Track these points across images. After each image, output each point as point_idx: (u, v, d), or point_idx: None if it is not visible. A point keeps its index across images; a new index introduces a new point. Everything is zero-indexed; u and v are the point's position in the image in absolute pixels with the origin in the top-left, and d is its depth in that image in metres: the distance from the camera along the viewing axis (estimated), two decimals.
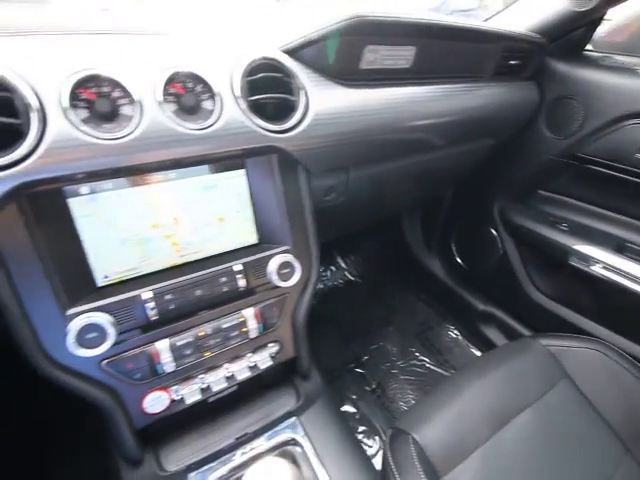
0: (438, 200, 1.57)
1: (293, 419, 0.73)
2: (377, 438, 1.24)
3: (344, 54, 0.72)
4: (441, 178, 1.25)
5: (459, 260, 1.66)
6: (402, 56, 0.81)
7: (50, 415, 1.06)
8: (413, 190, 1.21)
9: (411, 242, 1.76)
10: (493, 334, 1.54)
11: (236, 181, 0.70)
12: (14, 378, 0.93)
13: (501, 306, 1.52)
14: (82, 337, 0.55)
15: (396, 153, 0.88)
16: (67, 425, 1.02)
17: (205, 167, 0.65)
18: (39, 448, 1.01)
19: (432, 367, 1.50)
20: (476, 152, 1.15)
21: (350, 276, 1.90)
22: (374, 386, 1.42)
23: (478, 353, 1.57)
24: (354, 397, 1.36)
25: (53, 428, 1.05)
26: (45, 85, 0.49)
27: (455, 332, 1.66)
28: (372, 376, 1.45)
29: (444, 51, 0.88)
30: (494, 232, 1.45)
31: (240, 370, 0.73)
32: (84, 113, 0.52)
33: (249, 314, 0.71)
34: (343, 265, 1.89)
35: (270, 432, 0.72)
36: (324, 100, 0.70)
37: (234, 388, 0.76)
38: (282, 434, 0.71)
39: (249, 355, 0.75)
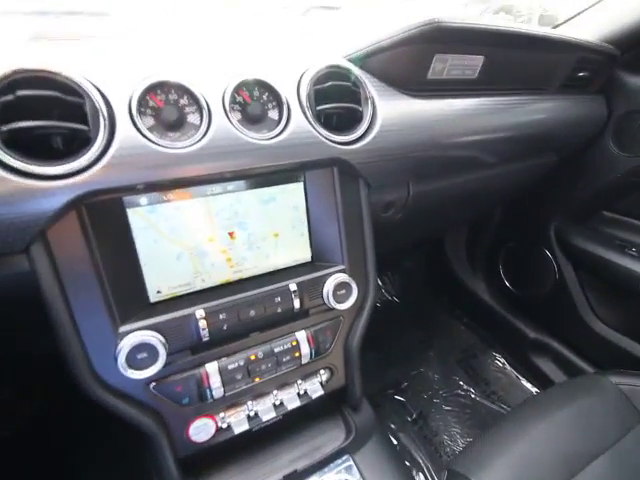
0: (485, 217, 1.48)
1: (346, 457, 0.67)
2: (421, 475, 1.14)
3: (413, 63, 0.68)
4: (498, 194, 1.17)
5: (507, 283, 1.55)
6: (470, 66, 0.76)
7: (87, 435, 1.03)
8: (468, 207, 1.14)
9: (454, 261, 1.67)
10: (546, 366, 1.41)
11: (293, 194, 0.66)
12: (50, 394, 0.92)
13: (555, 335, 1.40)
14: (133, 357, 0.51)
15: (459, 168, 0.83)
16: (102, 447, 0.98)
17: (264, 179, 0.61)
18: (73, 465, 0.98)
19: (478, 399, 1.39)
20: (537, 168, 1.07)
21: (387, 295, 1.82)
22: (415, 416, 1.32)
23: (528, 385, 1.45)
24: (393, 427, 1.28)
25: (88, 448, 1.02)
26: (115, 91, 0.47)
27: (501, 360, 1.54)
28: (413, 405, 1.36)
29: (513, 61, 0.82)
30: (549, 254, 1.35)
31: (289, 398, 0.68)
32: (150, 121, 0.49)
33: (302, 337, 0.66)
34: (380, 283, 1.82)
35: (321, 471, 0.65)
36: (390, 111, 0.65)
37: (280, 417, 0.70)
38: (335, 475, 0.65)
39: (299, 382, 0.70)
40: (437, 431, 1.28)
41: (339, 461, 0.66)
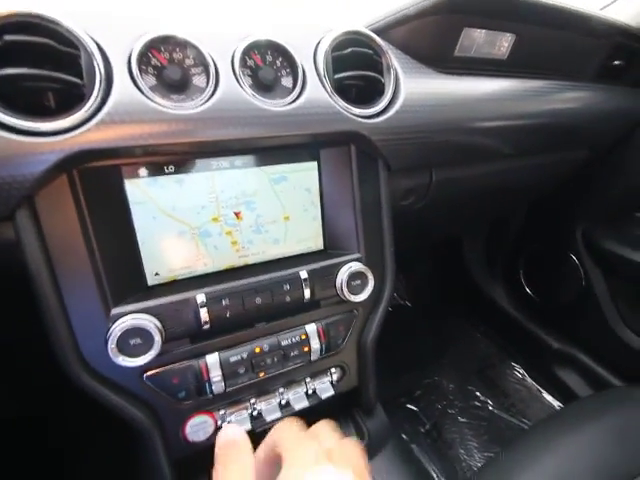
0: (507, 218, 1.40)
1: None
2: None
3: (440, 36, 0.62)
4: (525, 190, 1.10)
5: (528, 290, 1.47)
6: (500, 45, 0.70)
7: (79, 432, 0.98)
8: (491, 202, 1.07)
9: (471, 265, 1.59)
10: (570, 378, 1.32)
11: (306, 175, 0.61)
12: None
13: (581, 346, 1.31)
14: (125, 342, 0.46)
15: (484, 156, 0.76)
16: (94, 446, 0.93)
17: (275, 156, 0.57)
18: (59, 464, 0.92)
19: (496, 411, 1.30)
20: (567, 163, 1.00)
21: (399, 299, 1.74)
22: (429, 427, 1.24)
23: (550, 398, 1.35)
24: (405, 438, 1.19)
25: (80, 446, 0.96)
26: (113, 44, 0.42)
27: (521, 371, 1.45)
28: (426, 415, 1.27)
29: (545, 43, 0.76)
30: (575, 259, 1.26)
31: (297, 398, 0.62)
32: (152, 80, 0.45)
33: (312, 331, 0.60)
34: None
35: None
36: (414, 85, 0.60)
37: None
38: None
39: (307, 380, 0.64)
40: (452, 444, 1.19)
41: None
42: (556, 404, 1.34)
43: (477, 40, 0.67)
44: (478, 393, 1.36)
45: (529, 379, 1.42)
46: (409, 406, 1.30)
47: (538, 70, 0.81)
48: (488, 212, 1.23)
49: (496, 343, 1.54)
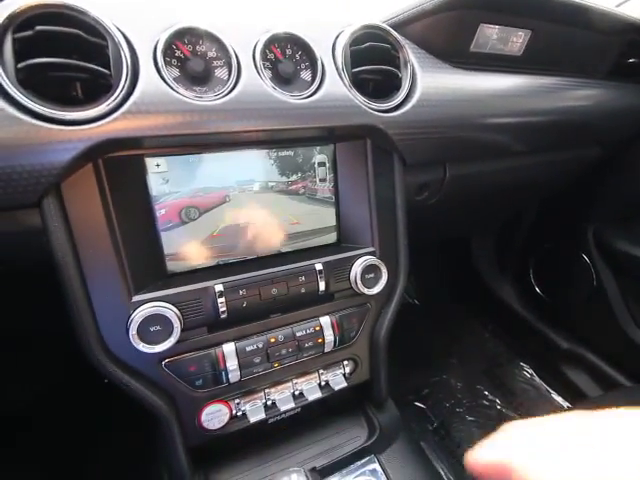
0: (518, 217, 1.40)
1: (370, 457, 0.60)
2: None
3: (456, 32, 0.63)
4: (538, 187, 1.09)
5: (537, 289, 1.46)
6: (515, 41, 0.71)
7: (97, 425, 0.99)
8: (505, 200, 1.07)
9: (480, 264, 1.58)
10: (580, 379, 1.31)
11: (322, 168, 0.61)
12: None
13: (591, 347, 1.30)
14: (145, 329, 0.47)
15: (498, 152, 0.76)
16: (111, 439, 0.94)
17: (292, 148, 0.57)
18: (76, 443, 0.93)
19: (504, 410, 1.30)
20: (579, 161, 1.00)
21: (407, 297, 1.74)
22: (436, 425, 1.24)
23: (559, 399, 1.34)
24: (414, 436, 1.19)
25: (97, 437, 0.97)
26: (140, 35, 0.43)
27: (529, 371, 1.44)
28: (434, 413, 1.27)
29: (560, 40, 0.76)
30: (586, 259, 1.26)
31: (310, 389, 0.62)
32: (175, 72, 0.46)
33: (326, 323, 0.61)
34: None
35: (343, 471, 0.59)
36: (431, 79, 0.60)
37: (298, 410, 0.65)
38: (358, 476, 0.58)
39: (321, 372, 0.64)
40: (460, 442, 1.19)
41: (362, 462, 0.60)
42: (565, 405, 1.33)
43: (492, 36, 0.68)
44: (486, 392, 1.36)
45: (538, 379, 1.41)
46: (417, 404, 1.30)
47: (551, 67, 0.81)
48: (500, 210, 1.23)
49: (504, 342, 1.54)
